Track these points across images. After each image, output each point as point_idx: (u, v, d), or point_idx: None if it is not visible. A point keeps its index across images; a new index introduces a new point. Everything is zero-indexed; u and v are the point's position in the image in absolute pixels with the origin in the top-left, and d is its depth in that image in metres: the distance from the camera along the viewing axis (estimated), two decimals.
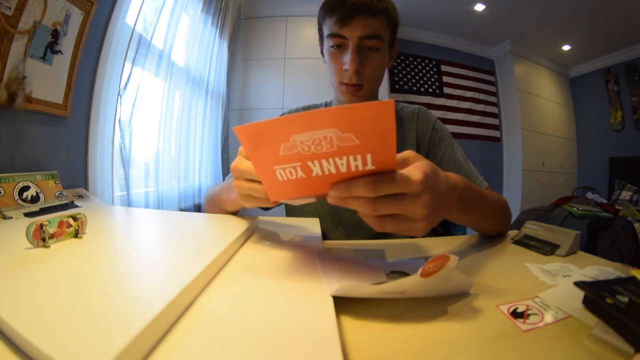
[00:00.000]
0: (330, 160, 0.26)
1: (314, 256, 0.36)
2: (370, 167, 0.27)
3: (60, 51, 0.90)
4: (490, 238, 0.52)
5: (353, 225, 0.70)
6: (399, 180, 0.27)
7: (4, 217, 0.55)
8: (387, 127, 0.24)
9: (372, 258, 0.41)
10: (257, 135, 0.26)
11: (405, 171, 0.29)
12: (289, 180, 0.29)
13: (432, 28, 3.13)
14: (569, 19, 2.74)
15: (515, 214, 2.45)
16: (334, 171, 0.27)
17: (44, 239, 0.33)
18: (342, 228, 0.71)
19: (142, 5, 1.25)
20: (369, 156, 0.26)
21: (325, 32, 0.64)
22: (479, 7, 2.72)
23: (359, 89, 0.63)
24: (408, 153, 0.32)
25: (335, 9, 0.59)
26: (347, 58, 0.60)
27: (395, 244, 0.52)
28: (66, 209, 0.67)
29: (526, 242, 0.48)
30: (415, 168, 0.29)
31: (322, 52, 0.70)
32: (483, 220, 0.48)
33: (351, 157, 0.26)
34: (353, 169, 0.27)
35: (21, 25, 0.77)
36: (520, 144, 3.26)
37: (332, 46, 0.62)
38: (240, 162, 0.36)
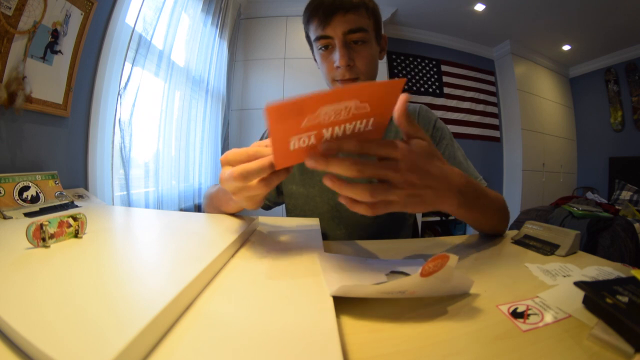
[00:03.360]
0: (342, 125, 0.30)
1: (314, 256, 0.36)
2: (369, 127, 0.32)
3: (60, 51, 0.90)
4: (490, 238, 0.52)
5: (353, 224, 0.70)
6: (384, 144, 0.31)
7: (4, 217, 0.55)
8: (394, 99, 0.31)
9: (372, 258, 0.41)
10: (286, 113, 0.27)
11: (396, 140, 0.32)
12: (299, 148, 0.31)
13: (432, 28, 3.13)
14: (569, 19, 2.74)
15: (515, 214, 2.45)
16: (340, 134, 0.31)
17: (44, 239, 0.33)
18: (342, 227, 0.71)
19: (142, 5, 1.25)
20: (372, 119, 0.31)
21: (312, 37, 0.66)
22: (479, 7, 2.72)
23: (355, 82, 0.64)
24: (424, 134, 0.35)
25: (315, 13, 0.62)
26: (336, 56, 0.62)
27: (396, 244, 0.52)
28: (66, 209, 0.67)
29: (526, 242, 0.48)
30: (409, 142, 0.33)
31: (314, 58, 0.72)
32: (484, 217, 0.48)
33: (358, 121, 0.30)
34: (356, 130, 0.31)
35: (21, 25, 0.77)
36: (520, 144, 3.27)
37: (320, 49, 0.65)
38: (223, 173, 0.36)
